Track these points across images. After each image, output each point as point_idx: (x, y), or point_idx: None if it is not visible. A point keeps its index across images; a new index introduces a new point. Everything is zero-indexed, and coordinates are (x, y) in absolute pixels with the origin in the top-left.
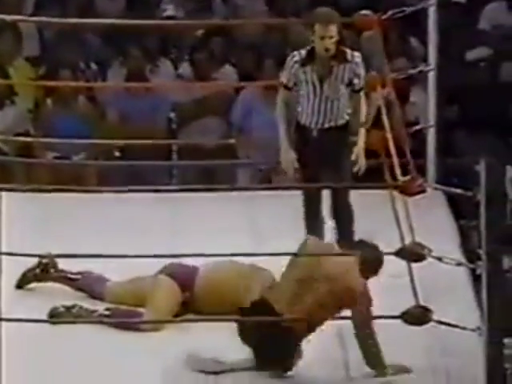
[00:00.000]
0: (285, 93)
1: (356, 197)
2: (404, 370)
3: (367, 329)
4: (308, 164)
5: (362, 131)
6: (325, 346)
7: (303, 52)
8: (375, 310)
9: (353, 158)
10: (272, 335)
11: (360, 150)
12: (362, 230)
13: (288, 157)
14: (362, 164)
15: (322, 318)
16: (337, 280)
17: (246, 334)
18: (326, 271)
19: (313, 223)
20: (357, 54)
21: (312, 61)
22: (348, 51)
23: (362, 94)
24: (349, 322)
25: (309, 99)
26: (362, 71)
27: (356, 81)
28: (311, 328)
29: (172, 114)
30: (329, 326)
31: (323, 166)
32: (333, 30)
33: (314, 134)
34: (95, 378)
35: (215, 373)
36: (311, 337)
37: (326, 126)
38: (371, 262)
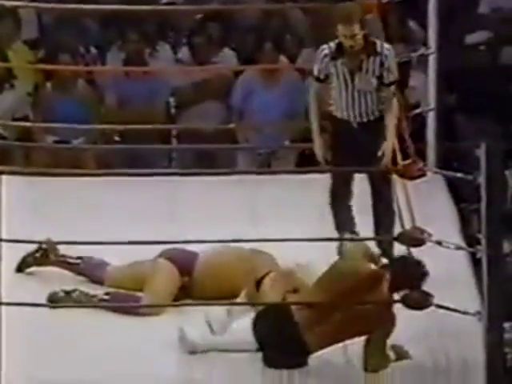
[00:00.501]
0: (316, 85)
1: (356, 181)
2: (404, 355)
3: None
4: (348, 157)
5: (391, 127)
6: None
7: (332, 45)
8: None
9: (379, 153)
10: (284, 342)
11: (388, 146)
12: (362, 213)
13: (320, 154)
14: (386, 161)
15: (343, 339)
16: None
17: (259, 333)
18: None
19: (342, 216)
20: (386, 45)
21: (341, 54)
22: (378, 42)
23: (392, 88)
24: None
25: (341, 93)
26: (392, 63)
27: (385, 74)
28: (327, 345)
29: (171, 98)
30: None
31: (363, 159)
32: (355, 28)
33: (355, 126)
34: (94, 362)
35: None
36: None
37: (365, 119)
38: (412, 279)
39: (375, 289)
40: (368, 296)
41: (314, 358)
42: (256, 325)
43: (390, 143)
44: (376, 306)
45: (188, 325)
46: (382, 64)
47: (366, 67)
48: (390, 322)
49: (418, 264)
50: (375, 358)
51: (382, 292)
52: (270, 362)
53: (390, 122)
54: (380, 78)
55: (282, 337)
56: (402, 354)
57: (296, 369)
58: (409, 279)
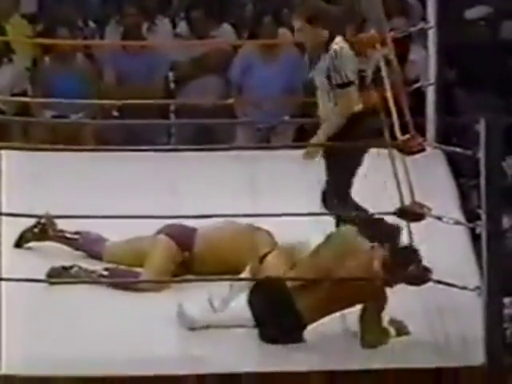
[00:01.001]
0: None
1: None
2: (404, 330)
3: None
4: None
5: (326, 125)
6: None
7: None
8: None
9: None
10: (280, 313)
11: (316, 141)
12: (360, 188)
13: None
14: (310, 156)
15: (336, 308)
16: (358, 274)
17: (254, 305)
18: (348, 268)
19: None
20: (338, 44)
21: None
22: (335, 40)
23: (343, 90)
24: None
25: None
26: (340, 63)
27: (332, 74)
28: (321, 316)
29: (170, 73)
30: None
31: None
32: (297, 23)
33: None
34: (93, 338)
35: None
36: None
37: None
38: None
39: (367, 265)
40: (358, 271)
41: (312, 332)
42: (251, 298)
43: (318, 138)
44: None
45: (188, 301)
46: (329, 63)
47: (319, 65)
48: (381, 295)
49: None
50: (371, 334)
51: (373, 268)
52: (266, 337)
53: (324, 127)
54: (329, 78)
55: (275, 307)
56: (401, 330)
57: (292, 343)
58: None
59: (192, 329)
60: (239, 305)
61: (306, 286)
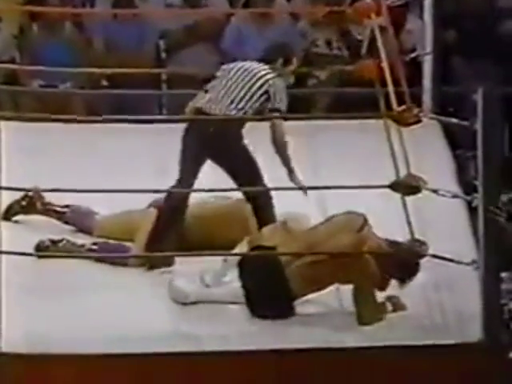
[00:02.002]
0: None
1: (350, 127)
2: (400, 307)
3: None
4: None
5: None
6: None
7: None
8: None
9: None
10: (271, 286)
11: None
12: (355, 161)
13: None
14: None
15: (324, 284)
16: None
17: (245, 276)
18: (338, 243)
19: None
20: (268, 71)
21: None
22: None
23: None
24: None
25: None
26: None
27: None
28: (311, 290)
29: (161, 42)
30: None
31: None
32: None
33: None
34: (83, 314)
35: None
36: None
37: None
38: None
39: (357, 244)
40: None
41: (308, 309)
42: (242, 270)
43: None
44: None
45: (180, 276)
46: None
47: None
48: (370, 272)
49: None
50: (366, 311)
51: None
52: (256, 310)
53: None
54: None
55: (267, 279)
56: (398, 306)
57: (283, 318)
58: (401, 268)
59: (184, 303)
60: (233, 280)
61: (297, 258)
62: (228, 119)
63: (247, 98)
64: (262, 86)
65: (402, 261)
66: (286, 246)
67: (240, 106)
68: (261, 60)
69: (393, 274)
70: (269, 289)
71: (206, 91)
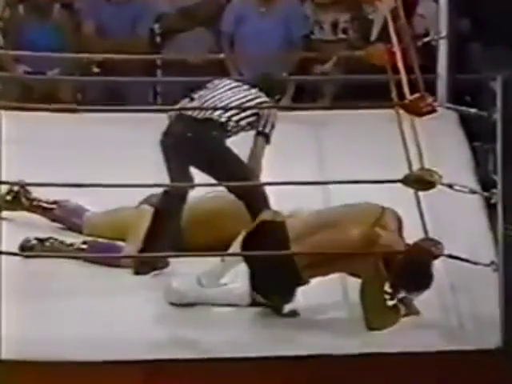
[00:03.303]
0: None
1: (359, 117)
2: (413, 310)
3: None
4: None
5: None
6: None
7: None
8: None
9: None
10: (275, 262)
11: None
12: (365, 154)
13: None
14: None
15: (330, 269)
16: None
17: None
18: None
19: None
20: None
21: None
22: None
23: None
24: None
25: None
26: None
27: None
28: (317, 272)
29: (156, 25)
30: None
31: None
32: None
33: None
34: (71, 318)
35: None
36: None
37: None
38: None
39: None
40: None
41: (312, 312)
42: (247, 243)
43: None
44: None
45: (176, 276)
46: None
47: None
48: (376, 267)
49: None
50: (374, 314)
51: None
52: (259, 288)
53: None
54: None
55: (272, 256)
56: (410, 309)
57: (284, 302)
58: (412, 276)
59: (180, 305)
60: (231, 281)
61: (304, 236)
62: (210, 121)
63: (236, 111)
64: (256, 104)
65: (414, 269)
66: (293, 223)
67: (227, 114)
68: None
69: (401, 282)
70: (274, 266)
71: (192, 99)
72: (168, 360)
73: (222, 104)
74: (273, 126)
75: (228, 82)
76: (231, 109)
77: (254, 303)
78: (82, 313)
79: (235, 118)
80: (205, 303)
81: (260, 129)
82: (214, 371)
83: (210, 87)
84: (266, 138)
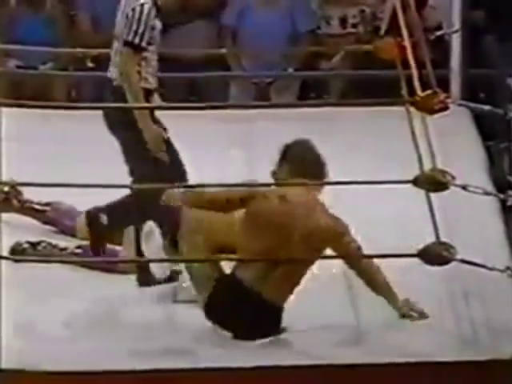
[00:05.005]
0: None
1: (367, 115)
2: (420, 314)
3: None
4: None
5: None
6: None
7: None
8: (388, 246)
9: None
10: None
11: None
12: (373, 153)
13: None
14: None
15: (300, 270)
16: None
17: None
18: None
19: None
20: None
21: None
22: None
23: (126, 49)
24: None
25: (153, 58)
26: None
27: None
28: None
29: None
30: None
31: None
32: None
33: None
34: (64, 325)
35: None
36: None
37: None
38: None
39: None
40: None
41: (313, 322)
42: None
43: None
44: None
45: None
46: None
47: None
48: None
49: None
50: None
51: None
52: (243, 337)
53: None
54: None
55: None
56: (417, 313)
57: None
58: None
59: (190, 301)
60: None
61: (262, 273)
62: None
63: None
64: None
65: None
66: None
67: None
68: None
69: None
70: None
71: None
72: (161, 370)
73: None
74: (137, 33)
75: None
76: None
77: None
78: (74, 320)
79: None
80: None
81: (126, 37)
82: (209, 381)
83: None
84: (133, 46)
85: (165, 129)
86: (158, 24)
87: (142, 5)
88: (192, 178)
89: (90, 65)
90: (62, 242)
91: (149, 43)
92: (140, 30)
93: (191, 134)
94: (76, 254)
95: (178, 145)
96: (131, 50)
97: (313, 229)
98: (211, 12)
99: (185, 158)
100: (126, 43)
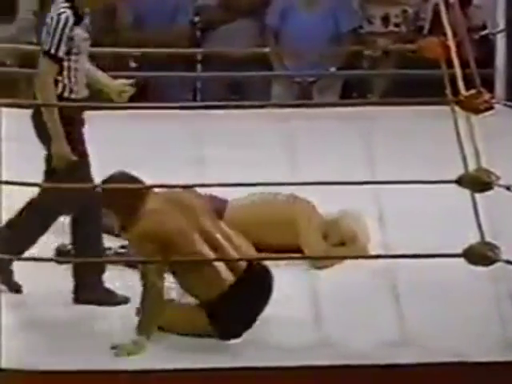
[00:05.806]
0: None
1: (411, 114)
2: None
3: None
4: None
5: (51, 125)
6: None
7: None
8: (431, 246)
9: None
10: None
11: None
12: (419, 152)
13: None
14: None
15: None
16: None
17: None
18: None
19: None
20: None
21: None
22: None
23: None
24: None
25: (81, 65)
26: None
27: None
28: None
29: (196, 18)
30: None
31: None
32: None
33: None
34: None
35: None
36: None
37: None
38: None
39: None
40: None
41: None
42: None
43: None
44: None
45: None
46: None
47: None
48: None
49: None
50: None
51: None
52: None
53: (47, 119)
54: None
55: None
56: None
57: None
58: None
59: None
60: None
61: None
62: None
63: None
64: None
65: None
66: None
67: None
68: None
69: None
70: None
71: None
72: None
73: None
74: (52, 43)
75: None
76: None
77: None
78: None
79: None
80: None
81: (44, 48)
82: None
83: None
84: (50, 56)
85: (84, 152)
86: (80, 33)
87: (59, 14)
88: (236, 178)
89: (133, 65)
90: (106, 241)
91: (69, 53)
92: (55, 41)
93: (233, 133)
94: (120, 255)
95: (219, 144)
96: (49, 59)
97: None
98: (254, 11)
99: (228, 156)
100: (44, 53)
